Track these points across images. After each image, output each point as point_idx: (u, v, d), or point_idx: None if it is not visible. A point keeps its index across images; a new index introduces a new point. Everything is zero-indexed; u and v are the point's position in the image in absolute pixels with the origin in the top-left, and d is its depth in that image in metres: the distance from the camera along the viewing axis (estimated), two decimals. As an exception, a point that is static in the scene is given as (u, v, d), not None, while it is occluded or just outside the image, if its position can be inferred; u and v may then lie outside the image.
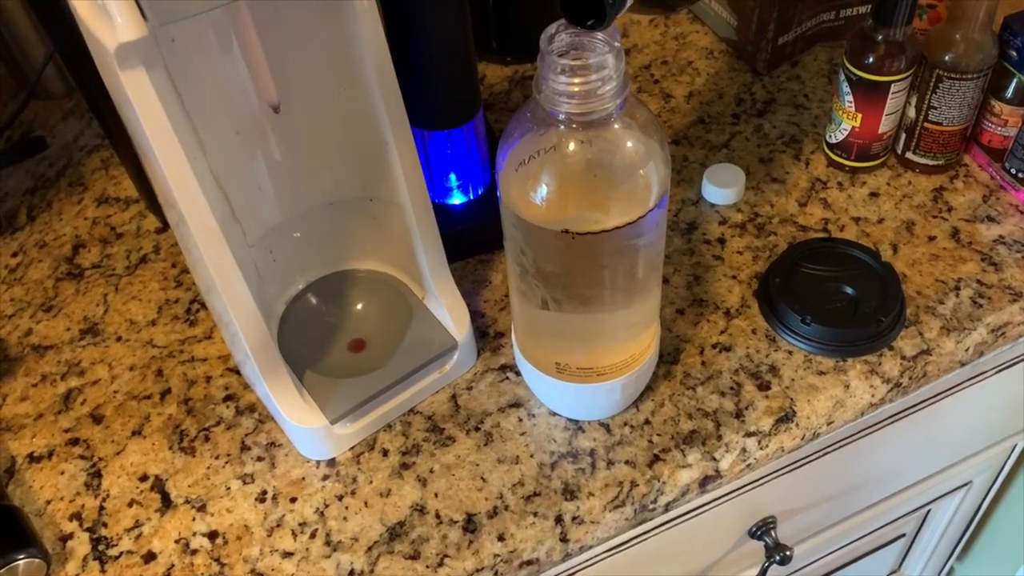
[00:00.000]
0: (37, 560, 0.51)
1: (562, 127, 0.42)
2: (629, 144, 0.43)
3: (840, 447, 0.66)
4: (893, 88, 0.64)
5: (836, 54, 0.80)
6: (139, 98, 0.40)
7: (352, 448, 0.57)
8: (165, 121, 0.41)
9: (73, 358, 0.63)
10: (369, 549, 0.52)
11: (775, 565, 0.67)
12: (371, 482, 0.55)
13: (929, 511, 0.89)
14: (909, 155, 0.69)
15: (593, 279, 0.46)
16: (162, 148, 0.42)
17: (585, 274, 0.46)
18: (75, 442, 0.59)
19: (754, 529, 0.69)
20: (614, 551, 0.61)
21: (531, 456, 0.56)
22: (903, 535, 0.89)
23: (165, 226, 0.71)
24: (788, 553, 0.67)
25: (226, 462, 0.57)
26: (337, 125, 0.52)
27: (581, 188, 0.44)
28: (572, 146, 0.43)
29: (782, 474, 0.65)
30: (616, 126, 0.42)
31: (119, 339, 0.64)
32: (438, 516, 0.53)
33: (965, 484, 0.85)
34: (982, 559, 1.00)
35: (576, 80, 0.40)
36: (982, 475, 0.87)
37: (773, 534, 0.68)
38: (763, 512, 0.69)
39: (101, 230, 0.72)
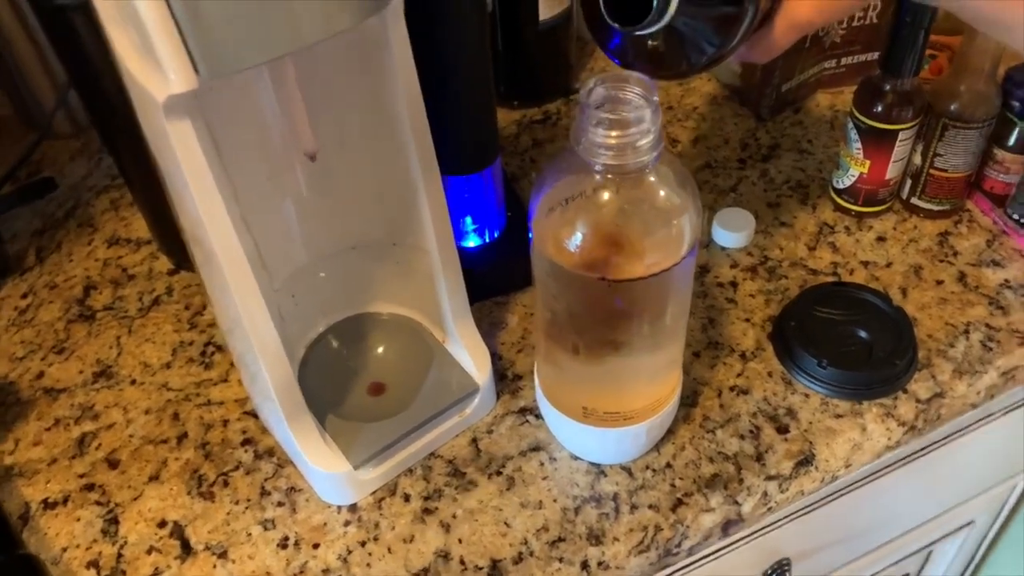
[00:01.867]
0: (57, 610, 0.50)
1: (598, 177, 0.43)
2: (662, 194, 0.44)
3: (854, 489, 0.66)
4: (901, 136, 0.65)
5: (837, 100, 0.82)
6: (183, 148, 0.40)
7: (374, 493, 0.56)
8: (207, 171, 0.41)
9: (87, 401, 0.63)
10: (394, 596, 0.52)
11: (790, 608, 0.67)
12: (394, 528, 0.55)
13: (932, 550, 0.89)
14: (915, 200, 0.70)
15: (625, 325, 0.47)
16: (202, 197, 0.42)
17: (617, 320, 0.46)
18: (91, 487, 0.58)
19: (769, 571, 0.69)
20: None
21: (554, 501, 0.56)
22: (907, 575, 0.90)
23: (177, 268, 0.71)
24: (803, 596, 0.67)
25: (246, 507, 0.56)
26: (368, 171, 0.53)
27: (615, 236, 0.44)
28: (607, 195, 0.43)
29: (797, 517, 0.65)
30: (651, 177, 0.43)
31: (133, 382, 0.64)
32: (463, 562, 0.53)
33: (968, 523, 0.86)
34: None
35: (614, 133, 0.41)
36: (984, 515, 0.88)
37: (788, 576, 0.68)
38: (778, 554, 0.69)
39: (112, 271, 0.72)
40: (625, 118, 0.41)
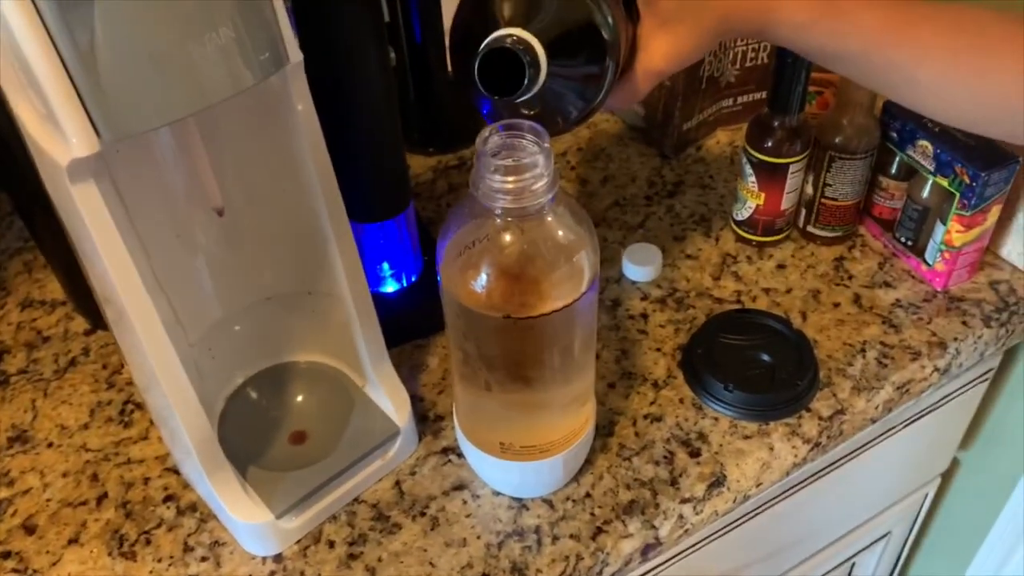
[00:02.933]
0: None
1: (498, 220, 0.45)
2: (560, 233, 0.46)
3: (770, 507, 0.69)
4: (792, 168, 0.69)
5: (736, 136, 0.87)
6: (89, 211, 0.41)
7: (298, 542, 0.57)
8: (114, 232, 0.42)
9: (2, 468, 0.62)
10: (322, 643, 0.52)
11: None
12: (319, 575, 0.55)
13: (854, 564, 0.92)
14: (810, 228, 0.74)
15: (534, 360, 0.49)
16: (111, 258, 0.43)
17: (526, 355, 0.48)
18: (7, 555, 0.57)
19: (695, 594, 0.71)
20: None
21: (478, 537, 0.57)
22: (833, 588, 0.93)
23: (94, 327, 0.71)
24: (728, 615, 0.69)
25: (169, 564, 0.56)
26: (277, 222, 0.54)
27: (518, 275, 0.46)
28: (508, 237, 0.45)
29: (717, 537, 0.67)
30: (548, 218, 0.46)
31: (50, 445, 0.63)
32: (389, 604, 0.54)
33: (885, 535, 0.90)
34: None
35: (510, 178, 0.43)
36: (899, 525, 0.91)
37: (713, 598, 0.70)
38: (702, 576, 0.71)
39: (27, 334, 0.71)
40: (520, 164, 0.43)
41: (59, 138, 0.39)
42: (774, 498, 0.70)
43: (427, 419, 0.63)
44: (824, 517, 0.78)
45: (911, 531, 0.93)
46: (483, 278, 0.46)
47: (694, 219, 0.78)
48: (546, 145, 0.44)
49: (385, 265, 0.68)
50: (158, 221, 0.50)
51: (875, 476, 0.79)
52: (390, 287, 0.69)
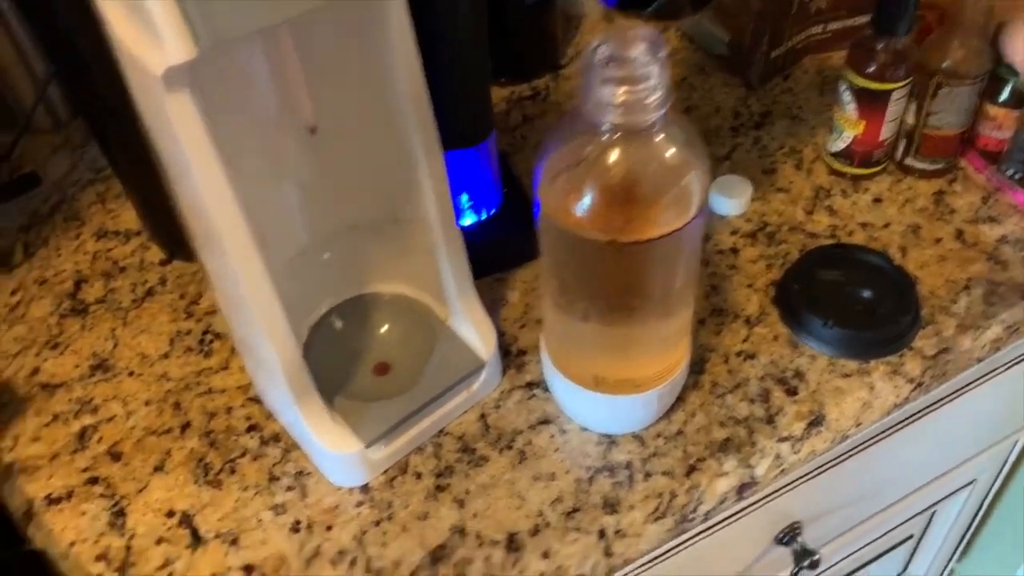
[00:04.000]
0: (68, 604, 0.49)
1: (605, 137, 0.42)
2: (671, 153, 0.44)
3: (863, 450, 0.66)
4: (894, 95, 0.65)
5: (825, 65, 0.82)
6: (183, 123, 0.39)
7: (384, 472, 0.56)
8: (208, 145, 0.40)
9: (85, 395, 0.61)
10: (412, 574, 0.51)
11: (804, 571, 0.67)
12: (407, 506, 0.54)
13: (935, 511, 0.90)
14: (909, 160, 0.71)
15: (637, 288, 0.46)
16: (205, 174, 0.41)
17: (629, 284, 0.46)
18: (94, 481, 0.57)
19: (781, 535, 0.69)
20: (648, 565, 0.61)
21: (567, 472, 0.55)
22: (911, 536, 0.90)
23: (170, 257, 0.70)
24: (816, 558, 0.67)
25: (255, 493, 0.55)
26: (367, 144, 0.52)
27: (624, 197, 0.44)
28: (615, 155, 0.43)
29: (808, 479, 0.65)
30: (659, 136, 0.43)
31: (131, 374, 0.63)
32: (479, 537, 0.53)
33: (970, 482, 0.87)
34: (982, 559, 1.02)
35: (621, 90, 0.41)
36: (985, 473, 0.88)
37: (799, 540, 0.68)
38: (789, 518, 0.69)
39: (103, 264, 0.70)
40: (632, 75, 0.40)
41: (154, 45, 0.37)
42: (866, 440, 0.67)
43: (510, 353, 0.62)
44: (914, 461, 0.76)
45: (996, 479, 0.90)
46: (586, 200, 0.44)
47: (783, 151, 0.74)
48: (661, 55, 0.41)
49: (464, 196, 0.66)
50: (246, 142, 0.48)
51: (968, 421, 0.76)
52: (468, 220, 0.67)
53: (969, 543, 0.98)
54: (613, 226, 0.44)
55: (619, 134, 0.42)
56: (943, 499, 0.86)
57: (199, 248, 0.50)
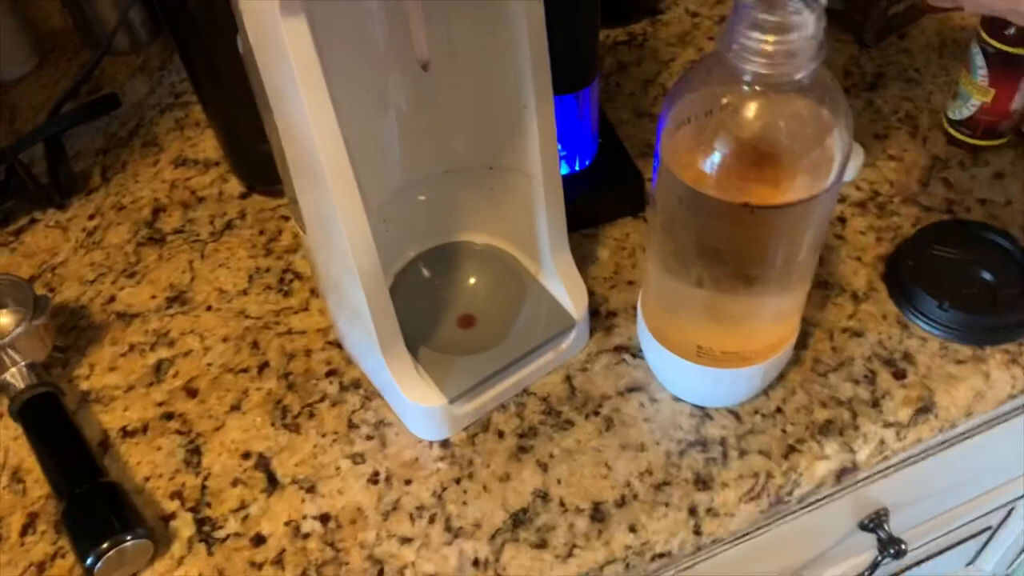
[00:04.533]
0: (145, 541, 0.48)
1: (746, 88, 0.39)
2: (814, 111, 0.40)
3: (965, 439, 0.63)
4: (1033, 62, 0.60)
5: (945, 26, 0.77)
6: (297, 49, 0.36)
7: (466, 429, 0.54)
8: (320, 76, 0.38)
9: (161, 327, 0.60)
10: (493, 537, 0.49)
11: (889, 559, 0.65)
12: (488, 465, 0.52)
13: (1013, 508, 0.86)
14: (1037, 134, 0.65)
15: (761, 257, 0.43)
16: (314, 104, 0.38)
17: (755, 252, 0.43)
18: (170, 416, 0.55)
19: (866, 521, 0.66)
20: (727, 546, 0.58)
21: (657, 443, 0.53)
22: (988, 527, 0.87)
23: (249, 191, 0.68)
24: (903, 547, 0.64)
25: (334, 440, 0.54)
26: (475, 87, 0.49)
27: (760, 157, 0.40)
28: (755, 110, 0.39)
29: (902, 467, 0.62)
30: (804, 92, 0.39)
31: (209, 308, 0.61)
32: (563, 504, 0.51)
33: (1058, 478, 0.83)
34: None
35: (771, 38, 0.37)
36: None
37: (886, 527, 0.65)
38: (876, 504, 0.66)
39: (181, 194, 0.68)
40: (786, 21, 0.36)
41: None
42: (968, 430, 0.63)
43: (598, 314, 0.59)
44: (1012, 454, 0.72)
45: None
46: (718, 156, 0.40)
47: (898, 116, 0.70)
48: (819, 2, 0.37)
49: (559, 145, 0.63)
50: (351, 74, 0.45)
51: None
52: (561, 170, 0.64)
53: (1044, 538, 0.94)
54: (745, 187, 0.40)
55: (762, 86, 0.38)
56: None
57: (291, 180, 0.47)
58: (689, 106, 0.41)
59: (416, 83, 0.48)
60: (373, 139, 0.50)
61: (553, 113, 0.48)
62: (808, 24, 0.37)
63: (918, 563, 0.85)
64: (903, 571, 0.85)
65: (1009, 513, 0.86)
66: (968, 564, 0.95)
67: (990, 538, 0.90)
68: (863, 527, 0.67)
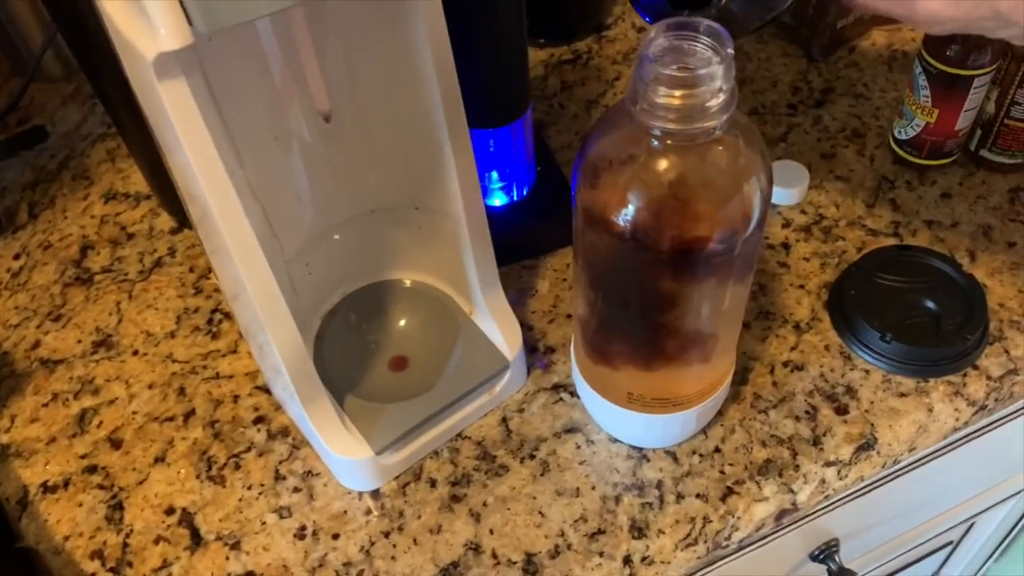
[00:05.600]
0: (58, 610, 0.46)
1: (656, 143, 0.37)
2: (730, 160, 0.38)
3: (912, 470, 0.62)
4: (976, 83, 0.59)
5: (895, 38, 0.75)
6: (178, 111, 0.35)
7: (397, 478, 0.52)
8: (205, 134, 0.36)
9: (86, 374, 0.58)
10: (422, 593, 0.48)
11: (839, 591, 0.64)
12: (419, 516, 0.51)
13: (973, 523, 0.85)
14: (983, 152, 0.64)
15: (684, 306, 0.41)
16: (202, 164, 0.37)
17: (676, 300, 0.41)
18: (93, 470, 0.54)
19: (816, 553, 0.65)
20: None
21: (592, 488, 0.51)
22: (950, 542, 0.86)
23: (180, 226, 0.66)
24: (853, 578, 0.63)
25: (260, 493, 0.52)
26: (386, 128, 0.47)
27: (675, 207, 0.39)
28: (667, 164, 0.38)
29: (850, 499, 0.61)
30: (718, 143, 0.37)
31: (135, 353, 0.59)
32: (495, 555, 0.49)
33: (1017, 492, 0.82)
34: (1017, 558, 0.98)
35: (678, 93, 0.35)
36: (1034, 481, 0.84)
37: (837, 558, 0.64)
38: (826, 536, 0.65)
39: (110, 230, 0.66)
40: (693, 75, 0.35)
41: (147, 28, 0.32)
42: (917, 461, 0.62)
43: (536, 351, 0.57)
44: (963, 478, 0.71)
45: (1044, 487, 0.85)
46: (632, 208, 0.38)
47: (845, 134, 0.68)
48: (728, 52, 0.35)
49: (494, 175, 0.61)
50: (254, 122, 0.43)
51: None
52: (498, 200, 0.62)
53: (1008, 546, 0.94)
54: (662, 237, 0.39)
55: (673, 139, 0.37)
56: (987, 509, 0.82)
57: (196, 224, 0.45)
58: (603, 155, 0.39)
59: (325, 128, 0.46)
60: (285, 185, 0.48)
61: (471, 153, 0.46)
62: (716, 75, 0.35)
63: (880, 579, 0.84)
64: (865, 587, 0.84)
65: (970, 528, 0.86)
66: (935, 574, 0.95)
67: (952, 552, 0.89)
68: (814, 559, 0.66)
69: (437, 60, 0.41)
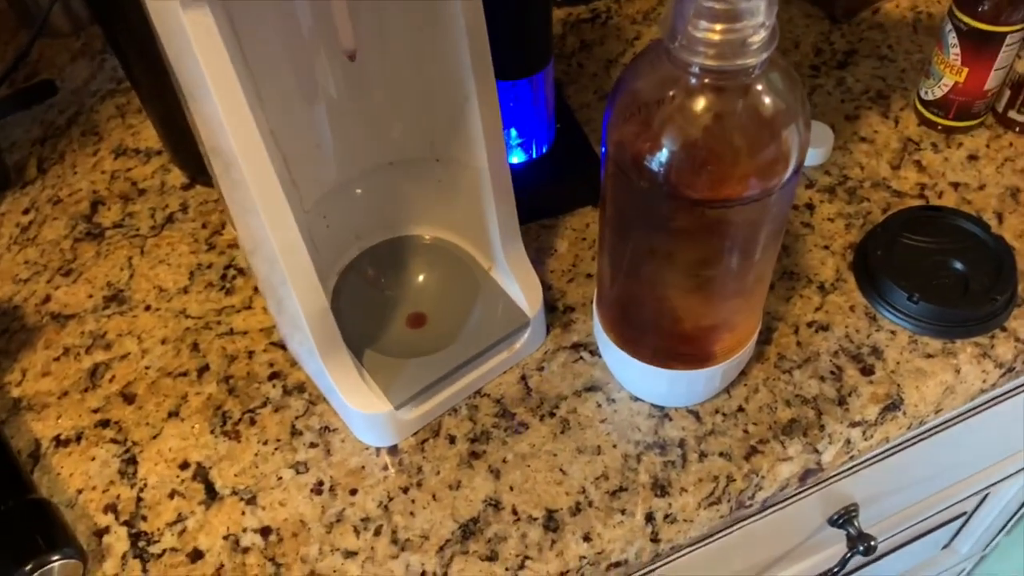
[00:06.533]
0: (73, 560, 0.45)
1: (694, 81, 0.36)
2: (769, 103, 0.37)
3: (934, 433, 0.61)
4: (1008, 40, 0.58)
5: (920, 0, 0.74)
6: (203, 47, 0.33)
7: (415, 434, 0.51)
8: (231, 73, 0.35)
9: (98, 329, 0.57)
10: (441, 549, 0.47)
11: (857, 555, 0.63)
12: (438, 472, 0.50)
13: (987, 495, 0.84)
14: (1012, 114, 0.63)
15: (715, 257, 0.40)
16: (227, 105, 0.35)
17: (708, 251, 0.40)
18: (105, 424, 0.53)
19: (835, 517, 0.64)
20: (693, 548, 0.56)
21: (614, 446, 0.50)
22: (964, 513, 0.86)
23: (192, 181, 0.65)
24: (872, 543, 0.62)
25: (275, 448, 0.51)
26: (411, 75, 0.46)
27: (711, 152, 0.37)
28: (704, 104, 0.36)
29: (871, 463, 0.60)
30: (757, 83, 0.36)
31: (148, 308, 0.58)
32: (515, 512, 0.48)
33: (1033, 462, 0.82)
34: (1028, 532, 0.97)
35: (718, 27, 0.34)
36: (1050, 453, 0.83)
37: (856, 523, 0.64)
38: (845, 500, 0.64)
39: (121, 185, 0.65)
40: (734, 8, 0.34)
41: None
42: (938, 425, 0.62)
43: (555, 310, 0.56)
44: (984, 445, 0.70)
45: (1059, 459, 0.85)
46: (666, 152, 0.37)
47: (869, 95, 0.67)
48: (771, -15, 0.34)
49: (513, 132, 0.60)
50: (277, 65, 0.42)
51: (1047, 403, 0.70)
52: (517, 158, 0.61)
53: (1020, 520, 0.93)
54: (696, 184, 0.38)
55: (711, 78, 0.36)
56: (1000, 481, 0.81)
57: (218, 178, 0.44)
58: (636, 97, 0.38)
59: (348, 74, 0.45)
60: (306, 133, 0.47)
61: (497, 103, 0.45)
62: (759, 10, 0.34)
63: (892, 551, 0.84)
64: (879, 558, 0.84)
65: (984, 499, 0.85)
66: (944, 547, 0.94)
67: (965, 523, 0.89)
68: (832, 523, 0.65)
69: (467, 8, 0.40)
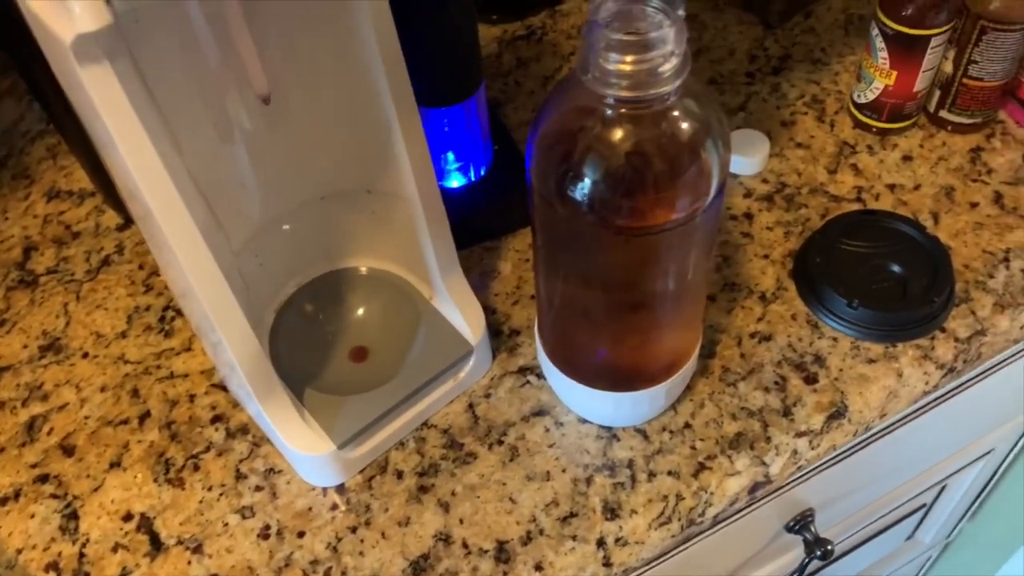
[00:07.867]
0: (12, 626, 0.44)
1: (609, 112, 0.36)
2: (686, 127, 0.37)
3: (883, 435, 0.61)
4: (933, 42, 0.58)
5: (851, 2, 0.74)
6: (103, 97, 0.33)
7: (362, 471, 0.51)
8: (135, 121, 0.34)
9: (34, 380, 0.56)
10: (392, 588, 0.47)
11: (815, 560, 0.63)
12: (387, 509, 0.49)
13: (945, 486, 0.85)
14: (943, 113, 0.64)
15: (646, 281, 0.40)
16: (133, 154, 0.35)
17: (638, 276, 0.40)
18: (44, 479, 0.52)
19: (792, 524, 0.65)
20: (650, 566, 0.56)
21: (563, 471, 0.50)
22: (923, 505, 0.86)
23: (127, 222, 0.64)
24: (830, 548, 0.63)
25: (220, 494, 0.50)
26: (331, 110, 0.45)
27: (631, 180, 0.37)
28: (621, 134, 0.36)
29: (823, 468, 0.60)
30: (672, 109, 0.36)
31: (85, 355, 0.57)
32: (466, 545, 0.48)
33: (987, 452, 0.82)
34: (991, 518, 0.98)
35: (628, 58, 0.34)
36: (1003, 442, 0.84)
37: (812, 528, 0.64)
38: (801, 506, 0.65)
39: (54, 229, 0.64)
40: (644, 39, 0.33)
41: (62, 9, 0.30)
42: (885, 428, 0.62)
43: (501, 334, 0.56)
44: (935, 440, 0.71)
45: (1014, 447, 0.86)
46: (587, 183, 0.37)
47: (804, 101, 0.67)
48: (679, 14, 0.34)
49: (450, 156, 0.59)
50: (189, 108, 0.41)
51: (995, 396, 0.71)
52: (455, 181, 0.61)
53: (980, 505, 0.95)
54: (619, 212, 0.37)
55: (627, 108, 0.35)
56: (959, 470, 0.82)
57: (139, 223, 0.43)
58: (555, 130, 0.38)
59: (267, 113, 0.44)
60: (229, 175, 0.46)
61: (422, 131, 0.44)
62: (668, 39, 0.34)
63: (856, 547, 0.85)
64: (843, 555, 0.84)
65: (943, 490, 0.86)
66: (907, 539, 0.95)
67: (926, 515, 0.90)
68: (789, 529, 0.66)
69: (380, 38, 0.40)
